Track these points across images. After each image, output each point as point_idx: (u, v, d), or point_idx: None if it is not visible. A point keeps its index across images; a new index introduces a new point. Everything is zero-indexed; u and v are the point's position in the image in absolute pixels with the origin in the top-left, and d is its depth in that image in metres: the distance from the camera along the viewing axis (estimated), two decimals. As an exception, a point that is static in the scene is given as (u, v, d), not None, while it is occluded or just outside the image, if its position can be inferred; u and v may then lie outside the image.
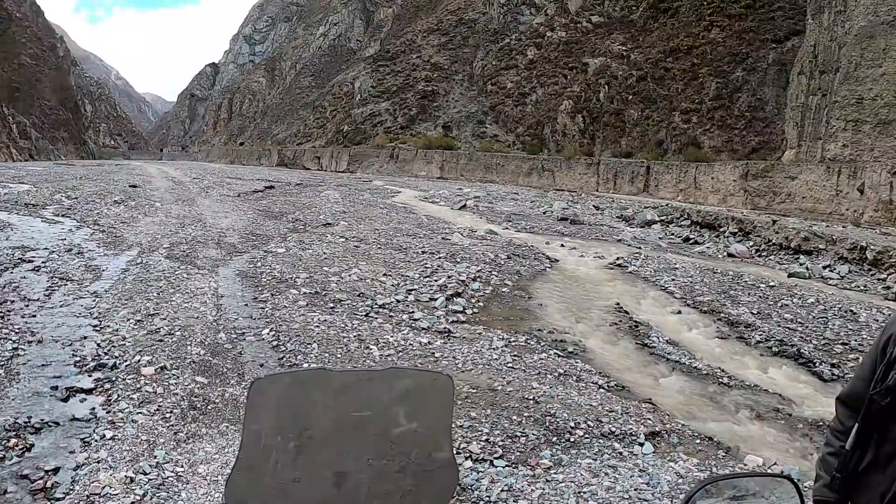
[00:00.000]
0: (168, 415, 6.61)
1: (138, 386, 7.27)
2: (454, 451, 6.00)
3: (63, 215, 21.31)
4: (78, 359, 8.07)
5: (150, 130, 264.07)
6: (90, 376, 7.54)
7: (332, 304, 11.74)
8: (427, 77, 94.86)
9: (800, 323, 12.80)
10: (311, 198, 34.60)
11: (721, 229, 26.29)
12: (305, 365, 8.34)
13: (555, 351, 10.18)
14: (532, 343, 10.50)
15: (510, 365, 9.07)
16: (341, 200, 33.47)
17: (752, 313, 13.32)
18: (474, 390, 7.76)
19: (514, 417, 7.07)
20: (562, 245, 21.70)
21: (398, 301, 12.33)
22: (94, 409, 6.71)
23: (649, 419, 7.47)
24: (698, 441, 7.16)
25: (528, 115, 78.06)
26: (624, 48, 72.46)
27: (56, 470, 5.43)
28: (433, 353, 9.28)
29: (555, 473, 5.96)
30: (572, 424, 7.00)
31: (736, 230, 25.47)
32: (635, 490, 5.72)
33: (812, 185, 35.23)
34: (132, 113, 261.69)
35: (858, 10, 36.64)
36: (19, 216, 20.24)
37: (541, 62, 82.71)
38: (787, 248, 22.09)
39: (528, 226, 26.86)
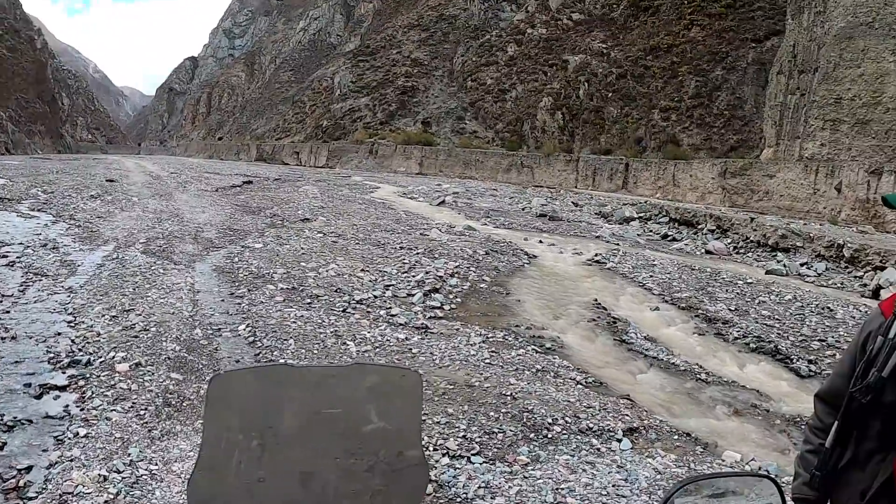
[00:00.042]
0: (142, 412, 6.53)
1: (112, 383, 7.18)
2: (424, 449, 5.98)
3: (39, 210, 21.10)
4: (52, 355, 7.97)
5: (128, 124, 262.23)
6: (64, 373, 7.45)
7: (309, 300, 11.67)
8: (407, 73, 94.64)
9: (777, 319, 12.86)
10: (290, 193, 34.46)
11: (699, 226, 26.40)
12: (281, 361, 8.26)
13: (532, 347, 10.16)
14: (510, 339, 10.48)
15: (488, 361, 9.04)
16: (320, 196, 33.33)
17: (729, 310, 13.37)
18: (451, 386, 7.72)
19: (492, 414, 7.04)
20: (540, 241, 21.71)
21: (376, 297, 12.29)
22: (67, 406, 6.62)
23: (627, 415, 7.46)
24: (676, 437, 7.16)
25: (508, 111, 78.04)
26: (604, 46, 72.59)
27: (29, 468, 5.34)
28: (410, 349, 9.24)
29: (532, 470, 5.94)
30: (550, 421, 6.98)
31: (714, 227, 25.59)
32: (613, 486, 5.71)
33: (790, 184, 35.47)
34: (110, 107, 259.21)
35: (838, 11, 36.89)
36: (-6, 210, 20.03)
37: (521, 59, 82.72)
38: (765, 245, 22.23)
39: (506, 222, 26.85)
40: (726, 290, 15.16)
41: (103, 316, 9.68)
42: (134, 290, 11.39)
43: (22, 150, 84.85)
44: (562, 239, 23.02)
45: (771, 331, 12.04)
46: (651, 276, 16.28)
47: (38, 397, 6.80)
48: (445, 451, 6.11)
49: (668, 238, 25.40)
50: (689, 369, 9.96)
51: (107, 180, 35.39)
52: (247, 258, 14.98)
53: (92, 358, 7.88)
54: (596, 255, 19.16)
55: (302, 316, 10.51)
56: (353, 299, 11.91)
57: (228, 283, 12.62)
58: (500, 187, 49.08)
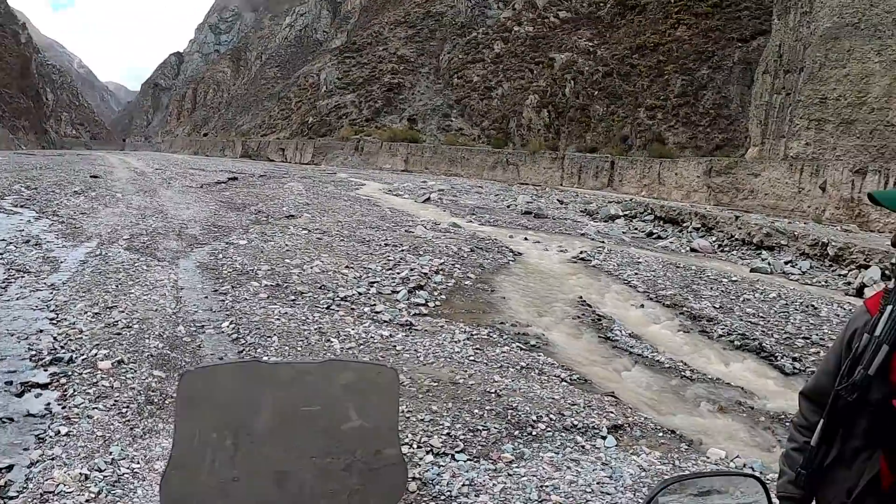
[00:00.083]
0: (125, 410, 6.46)
1: (95, 380, 7.10)
2: (408, 447, 5.98)
3: (22, 206, 20.88)
4: (34, 353, 7.86)
5: (112, 120, 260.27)
6: (46, 371, 7.35)
7: (293, 297, 11.61)
8: (393, 69, 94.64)
9: (762, 317, 12.89)
10: (275, 189, 34.32)
11: (684, 224, 26.48)
12: (265, 358, 8.21)
13: (517, 344, 10.15)
14: (494, 336, 10.46)
15: (472, 358, 9.02)
16: (305, 192, 33.23)
17: (714, 307, 13.40)
18: (436, 384, 7.70)
19: (476, 411, 7.02)
20: (525, 238, 21.72)
21: (360, 294, 12.24)
22: (49, 404, 6.53)
23: (612, 412, 7.46)
24: (661, 434, 7.16)
25: (494, 108, 78.15)
26: (590, 44, 72.83)
27: (10, 467, 5.26)
28: (395, 346, 9.20)
29: (517, 467, 5.92)
30: (534, 418, 6.96)
31: (699, 225, 25.68)
32: (598, 483, 5.69)
33: (775, 183, 35.65)
34: (95, 102, 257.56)
35: (824, 11, 37.10)
36: (-25, 206, 19.85)
37: (507, 56, 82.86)
38: (750, 243, 22.32)
39: (491, 219, 26.85)
40: (711, 288, 15.20)
41: (86, 313, 9.58)
42: (117, 286, 11.28)
43: (5, 145, 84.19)
44: (547, 236, 23.03)
45: (755, 328, 12.07)
46: (636, 274, 16.30)
47: (20, 395, 6.71)
48: (429, 449, 6.08)
49: (654, 236, 25.45)
50: (673, 367, 9.96)
51: (91, 176, 35.10)
52: (231, 255, 14.89)
53: (74, 355, 7.79)
54: (581, 252, 19.17)
55: (286, 313, 10.45)
56: (338, 296, 11.86)
57: (212, 279, 12.52)
58: (486, 185, 49.11)
